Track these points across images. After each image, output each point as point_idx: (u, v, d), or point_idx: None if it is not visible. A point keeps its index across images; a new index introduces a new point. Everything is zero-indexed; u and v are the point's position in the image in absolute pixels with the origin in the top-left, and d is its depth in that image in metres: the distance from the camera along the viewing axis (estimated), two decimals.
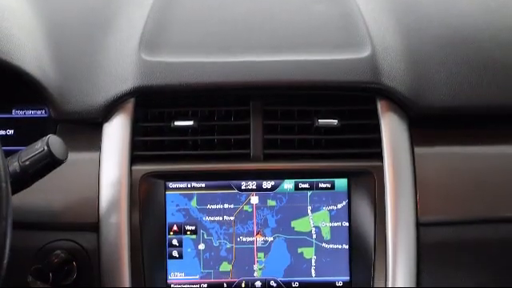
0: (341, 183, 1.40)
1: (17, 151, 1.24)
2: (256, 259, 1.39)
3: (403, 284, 1.35)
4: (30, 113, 1.52)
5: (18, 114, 1.52)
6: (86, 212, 1.37)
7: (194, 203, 1.39)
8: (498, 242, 1.42)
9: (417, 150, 1.43)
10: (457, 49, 1.51)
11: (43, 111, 1.52)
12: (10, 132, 1.52)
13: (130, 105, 1.41)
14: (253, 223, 1.39)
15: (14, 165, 1.22)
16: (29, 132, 1.51)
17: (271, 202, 1.39)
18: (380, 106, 1.43)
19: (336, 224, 1.40)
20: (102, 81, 1.43)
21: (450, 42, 1.52)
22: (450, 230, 1.41)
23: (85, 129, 1.44)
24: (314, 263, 1.39)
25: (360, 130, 1.43)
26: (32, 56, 1.45)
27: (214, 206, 1.39)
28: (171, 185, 1.39)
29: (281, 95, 1.44)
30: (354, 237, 1.40)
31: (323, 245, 1.39)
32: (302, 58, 1.44)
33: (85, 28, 1.56)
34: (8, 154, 1.21)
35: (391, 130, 1.41)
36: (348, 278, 1.39)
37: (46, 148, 1.22)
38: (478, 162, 1.46)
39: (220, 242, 1.39)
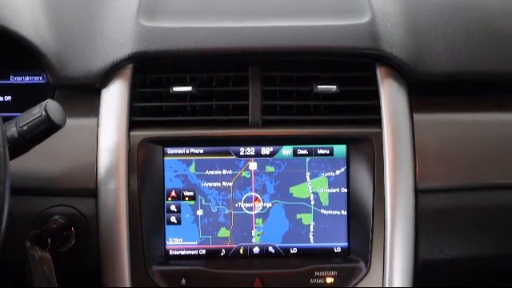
0: (339, 149, 1.40)
1: (14, 117, 1.23)
2: (254, 225, 1.39)
3: (401, 250, 1.35)
4: (27, 79, 1.52)
5: (15, 80, 1.52)
6: (84, 178, 1.37)
7: (192, 169, 1.39)
8: (496, 209, 1.42)
9: (416, 116, 1.42)
10: (457, 15, 1.50)
11: (41, 77, 1.51)
12: (8, 98, 1.51)
13: (128, 71, 1.41)
14: (251, 189, 1.39)
15: (12, 130, 1.22)
16: (26, 98, 1.50)
17: (270, 168, 1.39)
18: (379, 72, 1.42)
19: (334, 190, 1.39)
20: (99, 46, 1.43)
21: (451, 8, 1.52)
22: (449, 196, 1.41)
23: (83, 95, 1.43)
24: (312, 229, 1.39)
25: (359, 96, 1.43)
26: (30, 22, 1.44)
27: (212, 172, 1.39)
28: (169, 150, 1.39)
29: (280, 61, 1.43)
30: (352, 203, 1.39)
31: (321, 211, 1.39)
32: (300, 23, 1.43)
33: None
34: (6, 120, 1.21)
35: (390, 96, 1.41)
36: (346, 244, 1.40)
37: (43, 113, 1.22)
38: (477, 129, 1.45)
39: (218, 208, 1.39)
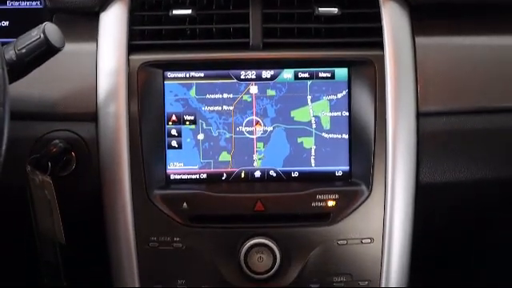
0: (341, 73, 1.39)
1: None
2: (255, 149, 1.39)
3: (403, 173, 1.35)
4: (24, 4, 1.50)
5: (12, 5, 1.50)
6: (85, 102, 1.37)
7: (192, 93, 1.38)
8: (497, 132, 1.42)
9: (418, 40, 1.41)
10: None
11: (38, 2, 1.49)
12: (5, 23, 1.50)
13: None
14: (252, 113, 1.38)
15: (10, 53, 1.20)
16: (24, 23, 1.48)
17: (271, 92, 1.38)
18: None
19: (336, 114, 1.39)
20: None
21: None
22: (450, 119, 1.40)
23: (81, 19, 1.42)
24: (313, 153, 1.39)
25: (360, 18, 1.41)
26: None
27: (212, 96, 1.38)
28: (169, 74, 1.37)
29: None
30: (353, 127, 1.39)
31: (323, 134, 1.39)
32: None
33: None
34: (3, 45, 1.19)
35: (392, 18, 1.39)
36: (347, 167, 1.39)
37: (42, 35, 1.20)
38: (479, 52, 1.44)
39: (219, 132, 1.38)
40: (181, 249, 1.34)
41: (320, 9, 1.38)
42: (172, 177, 1.38)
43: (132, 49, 1.37)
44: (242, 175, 1.39)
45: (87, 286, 1.54)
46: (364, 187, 1.36)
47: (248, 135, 1.38)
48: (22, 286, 1.64)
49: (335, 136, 1.39)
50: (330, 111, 1.39)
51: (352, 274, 1.37)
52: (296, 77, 1.38)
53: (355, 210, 1.35)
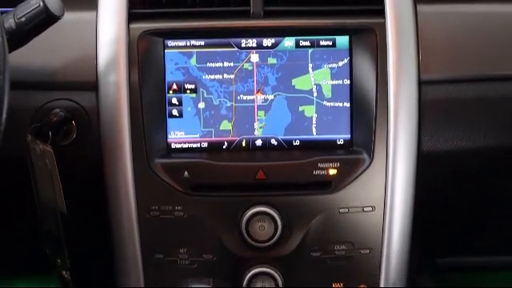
0: (342, 41, 1.38)
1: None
2: (256, 117, 1.38)
3: (404, 141, 1.35)
4: None
5: None
6: (85, 71, 1.36)
7: (193, 61, 1.37)
8: (499, 101, 1.42)
9: (419, 7, 1.41)
10: None
11: None
12: None
13: None
14: (253, 81, 1.38)
15: (10, 21, 1.20)
16: None
17: (272, 60, 1.38)
18: None
19: (337, 82, 1.38)
20: None
21: None
22: (452, 88, 1.40)
23: None
24: (314, 121, 1.39)
25: None
26: None
27: (213, 65, 1.37)
28: (170, 43, 1.37)
29: None
30: (355, 95, 1.38)
31: (324, 103, 1.38)
32: None
33: None
34: (2, 14, 1.19)
35: None
36: (349, 136, 1.39)
37: (41, 4, 1.20)
38: (481, 19, 1.44)
39: (220, 101, 1.38)
40: (182, 217, 1.34)
41: None
42: (173, 146, 1.38)
43: (132, 17, 1.36)
44: (243, 144, 1.38)
45: (88, 257, 1.53)
46: (365, 155, 1.36)
47: (249, 104, 1.38)
48: (23, 257, 1.64)
49: (336, 104, 1.38)
50: (332, 79, 1.38)
51: (353, 243, 1.37)
52: (297, 45, 1.37)
53: (356, 178, 1.35)
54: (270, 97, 1.38)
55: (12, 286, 1.67)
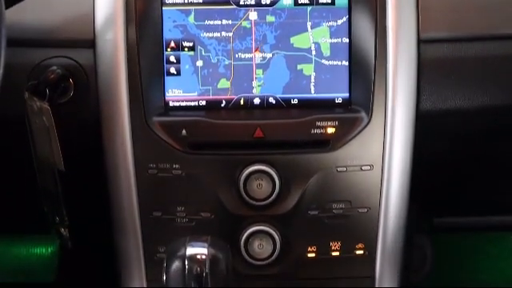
0: None
1: None
2: (255, 76, 1.38)
3: (403, 99, 1.35)
4: None
5: None
6: (82, 28, 1.35)
7: (191, 19, 1.36)
8: (498, 60, 1.41)
9: None
10: None
11: None
12: None
13: None
14: (251, 39, 1.37)
15: None
16: None
17: (270, 18, 1.37)
18: None
19: (336, 40, 1.37)
20: None
21: None
22: (452, 47, 1.39)
23: None
24: (313, 80, 1.38)
25: None
26: None
27: (211, 22, 1.36)
28: (168, 0, 1.35)
29: None
30: (353, 53, 1.38)
31: (323, 61, 1.37)
32: None
33: None
34: None
35: None
36: (347, 94, 1.39)
37: None
38: None
39: (218, 59, 1.37)
40: (180, 176, 1.34)
41: None
42: (171, 104, 1.37)
43: None
44: (242, 102, 1.38)
45: (86, 215, 1.54)
46: (364, 114, 1.35)
47: (247, 62, 1.37)
48: (22, 217, 1.64)
49: (335, 63, 1.38)
50: (330, 38, 1.37)
51: (351, 201, 1.37)
52: (296, 3, 1.36)
53: (355, 136, 1.35)
54: (269, 55, 1.37)
55: (11, 247, 1.67)
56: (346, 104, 1.38)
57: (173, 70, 1.37)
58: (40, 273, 1.68)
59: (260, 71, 1.37)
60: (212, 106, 1.38)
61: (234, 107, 1.38)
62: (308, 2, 1.37)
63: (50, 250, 1.65)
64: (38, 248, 1.66)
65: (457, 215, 1.77)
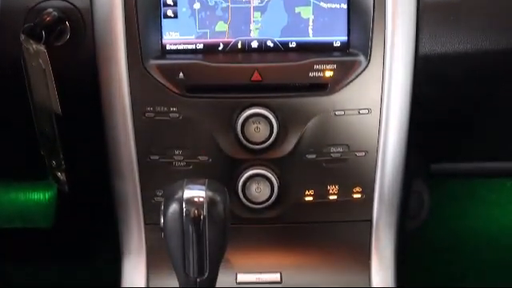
0: None
1: None
2: (252, 18, 1.36)
3: (402, 43, 1.34)
4: None
5: None
6: None
7: None
8: (498, 2, 1.39)
9: None
10: None
11: None
12: None
13: None
14: None
15: None
16: None
17: None
18: None
19: None
20: None
21: None
22: None
23: None
24: (311, 23, 1.37)
25: None
26: None
27: None
28: None
29: None
30: None
31: (321, 4, 1.36)
32: None
33: None
34: None
35: None
36: (346, 38, 1.38)
37: None
38: None
39: (216, 1, 1.36)
40: (177, 119, 1.34)
41: None
42: (168, 47, 1.36)
43: None
44: (239, 45, 1.37)
45: (84, 159, 1.54)
46: (362, 57, 1.34)
47: (245, 4, 1.36)
48: (20, 163, 1.64)
49: (333, 6, 1.36)
50: None
51: (349, 145, 1.37)
52: None
53: (353, 80, 1.34)
54: None
55: (8, 192, 1.67)
56: (345, 47, 1.37)
57: (170, 12, 1.36)
58: (37, 218, 1.68)
59: (258, 14, 1.36)
60: (209, 49, 1.37)
61: (231, 50, 1.37)
62: None
63: (47, 195, 1.65)
64: (35, 194, 1.66)
65: (454, 161, 1.76)
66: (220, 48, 1.37)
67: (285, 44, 1.38)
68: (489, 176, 1.91)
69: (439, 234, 2.06)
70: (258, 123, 1.33)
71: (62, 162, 1.39)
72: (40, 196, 1.64)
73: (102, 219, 1.63)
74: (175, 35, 1.37)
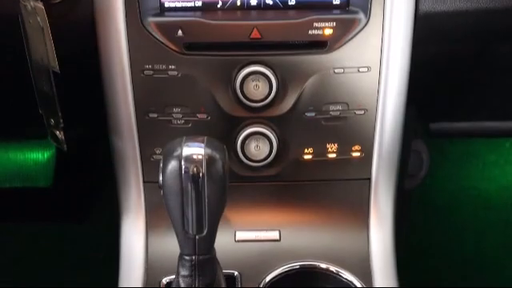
0: None
1: None
2: None
3: (402, 2, 1.33)
4: None
5: None
6: None
7: None
8: None
9: None
10: None
11: None
12: None
13: None
14: None
15: None
16: None
17: None
18: None
19: None
20: None
21: None
22: None
23: None
24: None
25: None
26: None
27: None
28: None
29: None
30: None
31: None
32: None
33: None
34: None
35: None
36: None
37: None
38: None
39: None
40: (176, 76, 1.33)
41: None
42: (166, 4, 1.35)
43: None
44: (238, 3, 1.36)
45: (82, 118, 1.54)
46: (362, 15, 1.33)
47: None
48: (18, 123, 1.63)
49: None
50: None
51: (348, 103, 1.37)
52: None
53: (352, 38, 1.33)
54: None
55: (7, 152, 1.67)
56: (344, 5, 1.36)
57: None
58: (36, 178, 1.68)
59: None
60: (208, 7, 1.36)
61: (230, 8, 1.36)
62: None
63: (46, 155, 1.65)
64: (34, 153, 1.66)
65: (454, 120, 1.76)
66: (219, 5, 1.36)
67: (284, 1, 1.37)
68: (488, 136, 1.91)
69: (438, 193, 2.07)
70: (257, 81, 1.32)
71: (61, 121, 1.38)
72: (39, 155, 1.65)
73: (101, 179, 1.63)
74: None
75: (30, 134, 1.64)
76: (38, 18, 1.28)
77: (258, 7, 1.37)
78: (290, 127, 1.38)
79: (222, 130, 1.37)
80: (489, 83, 1.61)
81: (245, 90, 1.32)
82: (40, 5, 1.28)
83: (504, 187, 2.09)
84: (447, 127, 1.79)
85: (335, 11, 1.36)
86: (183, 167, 1.10)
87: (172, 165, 1.11)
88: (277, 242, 1.43)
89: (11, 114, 1.58)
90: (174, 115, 1.36)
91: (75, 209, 2.06)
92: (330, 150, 1.40)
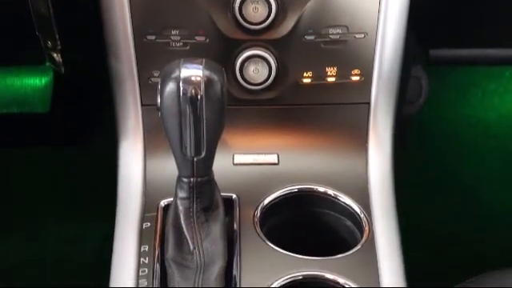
0: None
1: None
2: None
3: None
4: None
5: None
6: None
7: None
8: None
9: None
10: None
11: None
12: None
13: None
14: None
15: None
16: None
17: None
18: None
19: None
20: None
21: None
22: None
23: None
24: None
25: None
26: None
27: None
28: None
29: None
30: None
31: None
32: None
33: None
34: None
35: None
36: None
37: None
38: None
39: None
40: None
41: None
42: None
43: None
44: None
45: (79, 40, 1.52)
46: None
47: None
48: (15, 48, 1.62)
49: None
50: None
51: (348, 26, 1.35)
52: None
53: None
54: None
55: (4, 78, 1.67)
56: None
57: None
58: (34, 103, 1.67)
59: None
60: None
61: None
62: None
63: (43, 80, 1.64)
64: (31, 79, 1.65)
65: (454, 47, 1.75)
66: None
67: None
68: (488, 63, 1.90)
69: (437, 121, 2.06)
70: (256, 3, 1.30)
71: (58, 43, 1.37)
72: (36, 81, 1.64)
73: (99, 103, 1.62)
74: None
75: (27, 60, 1.63)
76: None
77: None
78: (289, 50, 1.37)
79: (221, 53, 1.35)
80: (490, 7, 1.59)
81: (244, 11, 1.31)
82: None
83: (503, 116, 2.09)
84: (447, 54, 1.78)
85: None
86: (181, 89, 1.10)
87: (170, 87, 1.11)
88: (275, 166, 1.43)
89: (7, 38, 1.57)
90: (172, 37, 1.35)
91: (73, 133, 2.06)
92: (329, 73, 1.39)
